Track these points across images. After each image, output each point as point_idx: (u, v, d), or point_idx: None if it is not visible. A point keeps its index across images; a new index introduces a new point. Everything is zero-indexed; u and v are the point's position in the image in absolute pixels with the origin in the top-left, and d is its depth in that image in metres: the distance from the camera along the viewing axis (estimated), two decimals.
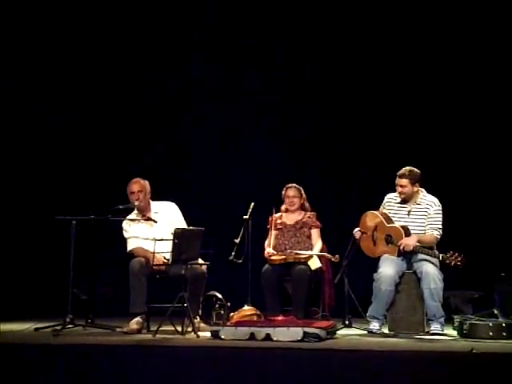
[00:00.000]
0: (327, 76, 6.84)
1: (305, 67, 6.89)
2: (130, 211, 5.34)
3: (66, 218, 5.19)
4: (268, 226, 5.65)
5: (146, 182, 5.37)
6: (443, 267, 5.02)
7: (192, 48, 6.98)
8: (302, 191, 5.65)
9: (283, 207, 5.70)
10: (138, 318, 5.03)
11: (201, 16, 6.98)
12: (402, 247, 5.02)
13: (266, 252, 5.49)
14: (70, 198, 6.58)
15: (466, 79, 6.59)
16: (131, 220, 5.31)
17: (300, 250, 5.47)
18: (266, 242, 5.59)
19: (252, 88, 6.90)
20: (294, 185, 5.67)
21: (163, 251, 5.01)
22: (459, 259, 4.79)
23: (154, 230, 5.27)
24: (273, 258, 5.42)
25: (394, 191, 5.26)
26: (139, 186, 5.33)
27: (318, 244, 5.55)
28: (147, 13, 6.97)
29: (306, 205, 5.67)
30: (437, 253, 4.98)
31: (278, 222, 5.62)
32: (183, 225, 5.31)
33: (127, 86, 6.99)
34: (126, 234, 5.33)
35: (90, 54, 6.97)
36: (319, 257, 5.40)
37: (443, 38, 6.61)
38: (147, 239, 5.23)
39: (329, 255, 5.33)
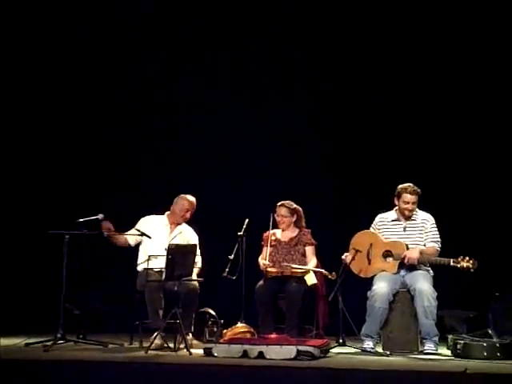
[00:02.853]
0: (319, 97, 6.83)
1: (297, 77, 6.87)
2: (97, 222, 5.28)
3: (58, 232, 5.16)
4: (262, 242, 5.63)
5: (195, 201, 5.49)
6: (437, 285, 5.03)
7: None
8: (296, 208, 5.57)
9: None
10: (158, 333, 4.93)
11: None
12: (406, 260, 5.02)
13: (261, 264, 5.44)
14: (63, 212, 6.54)
15: (453, 81, 6.59)
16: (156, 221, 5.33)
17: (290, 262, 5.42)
18: (260, 257, 5.56)
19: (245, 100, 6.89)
20: (285, 203, 5.57)
21: (159, 266, 5.05)
22: (471, 262, 4.82)
23: (168, 242, 5.23)
24: (269, 269, 5.36)
25: (386, 210, 5.28)
26: (193, 205, 5.44)
27: (312, 261, 5.51)
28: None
29: (301, 222, 5.64)
30: (444, 259, 5.00)
31: (273, 238, 5.57)
32: (198, 261, 5.37)
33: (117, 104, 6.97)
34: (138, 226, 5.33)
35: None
36: (315, 273, 5.38)
37: (436, 49, 6.62)
38: (157, 243, 5.22)
39: (326, 272, 5.29)
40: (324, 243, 5.70)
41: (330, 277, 5.23)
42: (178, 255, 4.85)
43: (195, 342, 5.10)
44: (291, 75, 6.86)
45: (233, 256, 5.43)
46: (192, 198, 5.49)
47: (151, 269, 5.17)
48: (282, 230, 5.60)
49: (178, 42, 6.96)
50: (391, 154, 6.64)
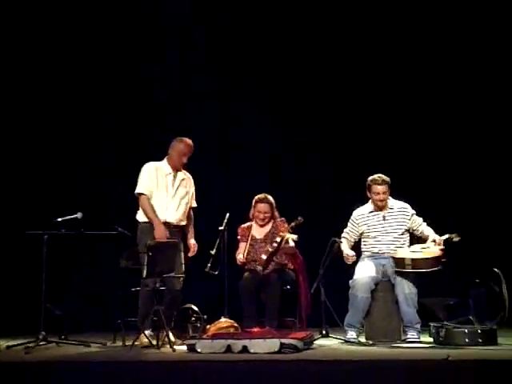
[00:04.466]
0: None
1: (281, 83, 6.88)
2: (77, 222, 5.20)
3: (37, 232, 5.11)
4: (238, 237, 5.52)
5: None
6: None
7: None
8: (273, 201, 5.43)
9: (252, 218, 5.46)
10: (148, 332, 4.91)
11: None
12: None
13: (238, 259, 5.36)
14: (41, 212, 6.47)
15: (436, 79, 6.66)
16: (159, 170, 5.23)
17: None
18: (238, 253, 5.45)
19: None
20: (266, 198, 5.38)
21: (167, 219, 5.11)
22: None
23: (176, 191, 5.23)
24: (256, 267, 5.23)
25: (361, 205, 5.35)
26: (192, 150, 5.30)
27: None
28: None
29: (276, 214, 5.45)
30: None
31: (247, 234, 5.45)
32: (194, 201, 5.39)
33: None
34: (144, 174, 5.22)
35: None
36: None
37: (429, 46, 6.66)
38: (165, 193, 5.18)
39: (294, 222, 5.20)
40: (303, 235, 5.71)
41: (295, 223, 5.16)
42: (158, 252, 4.82)
43: (172, 338, 5.03)
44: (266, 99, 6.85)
45: (214, 251, 5.41)
46: (189, 141, 5.31)
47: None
48: (260, 226, 5.48)
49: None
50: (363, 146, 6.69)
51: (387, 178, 5.27)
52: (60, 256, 5.42)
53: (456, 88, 6.66)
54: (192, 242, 5.35)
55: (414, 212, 5.33)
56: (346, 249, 5.28)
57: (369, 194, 5.33)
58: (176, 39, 6.94)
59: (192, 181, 5.44)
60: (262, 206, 5.40)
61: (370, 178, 5.30)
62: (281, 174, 6.78)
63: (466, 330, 4.73)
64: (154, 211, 5.16)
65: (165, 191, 5.23)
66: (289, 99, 6.86)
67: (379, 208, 5.29)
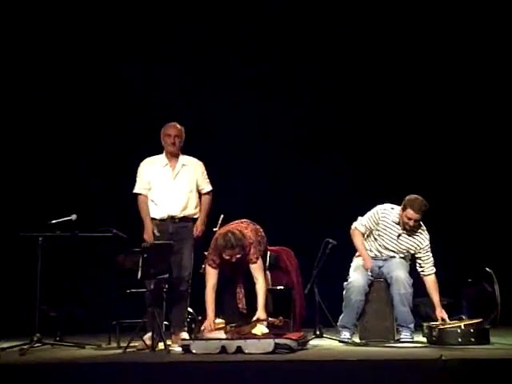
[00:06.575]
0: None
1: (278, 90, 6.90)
2: (71, 224, 5.19)
3: (32, 234, 5.11)
4: (209, 264, 4.89)
5: (183, 129, 5.22)
6: (411, 273, 5.09)
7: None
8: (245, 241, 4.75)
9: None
10: (149, 334, 4.85)
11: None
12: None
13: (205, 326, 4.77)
14: (35, 214, 6.47)
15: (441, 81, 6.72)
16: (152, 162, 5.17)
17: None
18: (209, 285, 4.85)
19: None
20: (234, 243, 4.65)
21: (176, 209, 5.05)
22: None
23: (176, 181, 5.15)
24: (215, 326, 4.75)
25: (391, 203, 5.11)
26: (176, 130, 5.17)
27: (259, 282, 4.80)
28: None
29: (248, 243, 4.79)
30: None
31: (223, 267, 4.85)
32: (207, 185, 5.23)
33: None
34: (139, 172, 5.20)
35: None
36: (285, 273, 5.28)
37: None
38: (164, 186, 5.11)
39: (272, 319, 4.74)
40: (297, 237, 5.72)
41: (276, 323, 4.73)
42: (153, 254, 4.82)
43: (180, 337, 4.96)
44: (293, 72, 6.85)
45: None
46: (177, 124, 5.21)
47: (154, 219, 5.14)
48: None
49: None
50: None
51: (426, 206, 4.94)
52: (55, 258, 5.42)
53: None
54: (198, 223, 5.19)
55: (428, 245, 5.06)
56: (365, 253, 5.05)
57: (401, 212, 5.02)
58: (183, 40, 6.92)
59: (199, 165, 5.27)
60: (232, 252, 4.74)
61: (410, 198, 4.97)
62: (275, 175, 6.79)
63: (459, 330, 4.75)
64: (147, 213, 5.15)
65: (163, 184, 5.16)
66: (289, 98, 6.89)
67: (403, 227, 5.08)
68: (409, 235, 5.10)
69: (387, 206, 5.16)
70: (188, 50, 6.94)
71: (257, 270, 4.82)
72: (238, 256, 4.75)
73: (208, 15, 6.92)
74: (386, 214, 5.11)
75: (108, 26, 6.86)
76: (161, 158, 5.26)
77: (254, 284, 4.85)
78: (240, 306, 4.92)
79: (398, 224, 5.08)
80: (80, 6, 6.81)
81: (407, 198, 5.01)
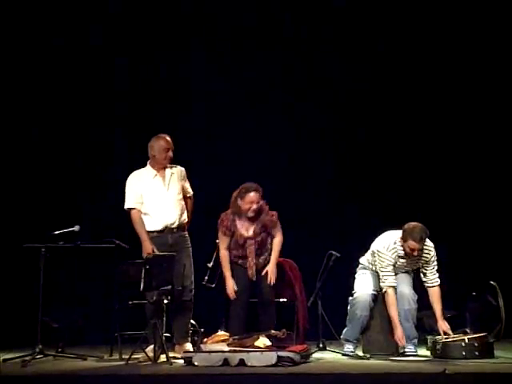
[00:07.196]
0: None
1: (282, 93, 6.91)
2: (75, 235, 5.18)
3: (34, 245, 5.11)
4: (223, 229, 5.04)
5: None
6: (414, 286, 5.06)
7: None
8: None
9: (234, 211, 4.96)
10: (151, 346, 4.84)
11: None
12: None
13: (229, 294, 5.03)
14: (38, 224, 6.47)
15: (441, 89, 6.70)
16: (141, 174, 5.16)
17: (261, 258, 5.09)
18: (222, 250, 5.04)
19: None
20: (254, 187, 4.87)
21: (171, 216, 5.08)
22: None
23: (170, 191, 5.16)
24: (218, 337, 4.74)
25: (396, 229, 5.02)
26: (171, 143, 5.19)
27: (277, 241, 5.07)
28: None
29: (264, 205, 4.99)
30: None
31: (237, 233, 5.00)
32: (190, 189, 5.32)
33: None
34: (128, 187, 5.18)
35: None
36: (288, 284, 5.28)
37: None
38: (157, 197, 5.11)
39: (274, 332, 4.75)
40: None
41: (279, 336, 4.75)
42: (155, 265, 4.81)
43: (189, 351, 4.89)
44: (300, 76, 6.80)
45: (212, 264, 5.40)
46: (166, 136, 5.22)
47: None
48: (249, 219, 4.99)
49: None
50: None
51: (427, 234, 4.85)
52: (57, 269, 5.41)
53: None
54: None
55: (434, 255, 4.99)
56: (399, 326, 4.86)
57: (401, 241, 4.93)
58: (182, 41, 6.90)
59: (182, 171, 5.31)
60: (253, 196, 4.88)
61: (409, 228, 4.85)
62: (278, 186, 6.77)
63: (463, 344, 4.72)
64: (143, 226, 5.13)
65: (157, 196, 5.16)
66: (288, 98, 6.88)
67: (407, 254, 4.97)
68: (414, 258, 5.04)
69: (387, 242, 5.02)
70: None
71: (276, 226, 5.07)
72: (257, 205, 4.90)
73: (208, 15, 6.92)
74: (395, 251, 5.00)
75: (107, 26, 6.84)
76: (148, 170, 5.25)
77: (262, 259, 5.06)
78: (250, 272, 5.03)
79: (403, 251, 5.00)
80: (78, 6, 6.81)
81: (406, 227, 4.89)
